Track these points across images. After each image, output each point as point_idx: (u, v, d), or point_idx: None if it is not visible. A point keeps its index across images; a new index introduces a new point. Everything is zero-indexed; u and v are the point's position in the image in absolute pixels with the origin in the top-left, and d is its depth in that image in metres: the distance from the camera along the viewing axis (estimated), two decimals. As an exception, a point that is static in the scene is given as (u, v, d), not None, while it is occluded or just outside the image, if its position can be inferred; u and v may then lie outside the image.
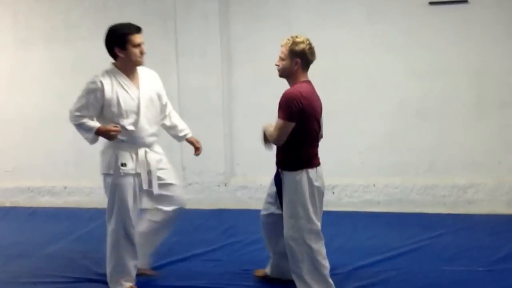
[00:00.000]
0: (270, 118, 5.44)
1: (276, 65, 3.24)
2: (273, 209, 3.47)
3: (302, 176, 3.20)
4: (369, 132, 5.33)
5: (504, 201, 5.05)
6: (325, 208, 5.27)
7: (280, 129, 3.11)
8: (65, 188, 6.22)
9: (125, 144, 3.39)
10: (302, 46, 3.11)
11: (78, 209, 6.00)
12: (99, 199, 5.92)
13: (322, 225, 4.79)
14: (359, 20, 5.28)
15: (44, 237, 5.00)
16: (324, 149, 5.40)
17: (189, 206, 5.19)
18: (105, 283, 3.68)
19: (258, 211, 5.30)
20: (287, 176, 3.26)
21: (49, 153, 6.22)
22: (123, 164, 3.37)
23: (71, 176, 6.18)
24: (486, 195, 5.09)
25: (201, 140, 5.55)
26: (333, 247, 4.20)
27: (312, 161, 3.28)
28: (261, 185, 5.58)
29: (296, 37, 3.14)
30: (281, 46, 3.18)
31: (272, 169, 5.53)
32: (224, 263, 4.05)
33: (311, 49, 3.16)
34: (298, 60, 3.12)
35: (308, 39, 3.16)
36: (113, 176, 3.38)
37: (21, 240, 4.94)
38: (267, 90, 5.53)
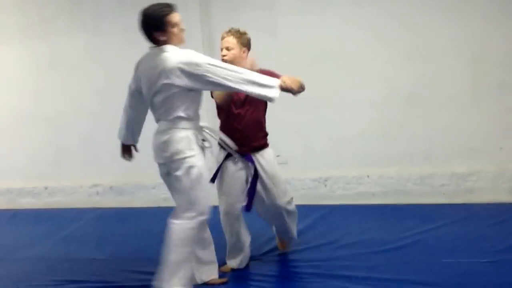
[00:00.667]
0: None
1: (223, 55, 3.44)
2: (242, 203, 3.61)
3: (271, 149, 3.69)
4: (360, 121, 5.15)
5: (507, 189, 4.85)
6: (317, 202, 5.20)
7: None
8: (46, 188, 6.05)
9: (195, 122, 3.19)
10: (247, 37, 3.49)
11: (60, 209, 5.89)
12: (80, 198, 5.81)
13: (316, 218, 4.74)
14: (346, 3, 5.09)
15: (26, 240, 4.92)
16: (313, 140, 5.29)
17: (170, 203, 5.01)
18: (87, 282, 3.61)
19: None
20: (266, 152, 3.65)
21: (28, 153, 6.08)
22: (204, 140, 3.23)
23: (52, 176, 6.04)
24: (487, 183, 4.89)
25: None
26: (328, 241, 4.12)
27: None
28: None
29: (239, 29, 3.47)
30: (225, 37, 3.47)
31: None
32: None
33: (250, 40, 3.53)
34: (245, 49, 3.48)
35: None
36: (195, 158, 3.08)
37: (1, 244, 4.85)
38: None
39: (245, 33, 3.47)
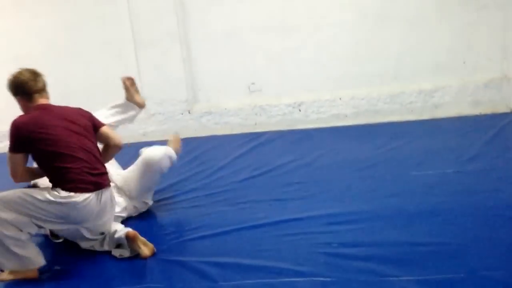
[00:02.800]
0: (229, 38, 5.32)
1: None
2: None
3: None
4: (330, 44, 5.21)
5: (470, 102, 5.07)
6: (293, 127, 5.34)
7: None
8: (22, 131, 6.00)
9: None
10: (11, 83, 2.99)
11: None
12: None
13: (292, 142, 4.91)
14: None
15: (11, 183, 4.87)
16: (287, 66, 5.36)
17: (153, 137, 5.11)
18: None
19: (224, 136, 5.33)
20: None
21: (1, 96, 5.91)
22: None
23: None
24: (452, 98, 5.09)
25: (159, 67, 5.41)
26: (304, 163, 4.26)
27: None
28: (225, 109, 5.49)
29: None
30: None
31: (237, 92, 5.45)
32: (196, 191, 3.98)
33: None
34: (17, 97, 3.02)
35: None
36: None
37: None
38: (223, 9, 5.31)
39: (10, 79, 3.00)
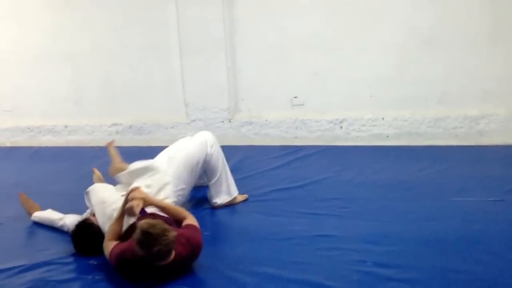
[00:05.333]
0: (275, 50, 5.34)
1: None
2: None
3: None
4: (377, 63, 5.15)
5: (518, 132, 4.93)
6: (333, 143, 5.31)
7: None
8: (66, 126, 6.14)
9: None
10: None
11: (80, 147, 5.96)
12: (101, 137, 5.88)
13: (331, 158, 4.88)
14: None
15: (48, 177, 5.00)
16: (331, 82, 5.34)
17: (192, 143, 5.14)
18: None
19: (263, 147, 5.35)
20: None
21: (47, 91, 6.11)
22: None
23: (72, 114, 6.10)
24: (498, 126, 4.96)
25: (203, 75, 5.47)
26: (342, 181, 4.23)
27: None
28: (266, 120, 5.49)
29: None
30: None
31: (279, 105, 5.46)
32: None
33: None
34: None
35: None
36: None
37: (24, 180, 4.90)
38: (271, 21, 5.34)
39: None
